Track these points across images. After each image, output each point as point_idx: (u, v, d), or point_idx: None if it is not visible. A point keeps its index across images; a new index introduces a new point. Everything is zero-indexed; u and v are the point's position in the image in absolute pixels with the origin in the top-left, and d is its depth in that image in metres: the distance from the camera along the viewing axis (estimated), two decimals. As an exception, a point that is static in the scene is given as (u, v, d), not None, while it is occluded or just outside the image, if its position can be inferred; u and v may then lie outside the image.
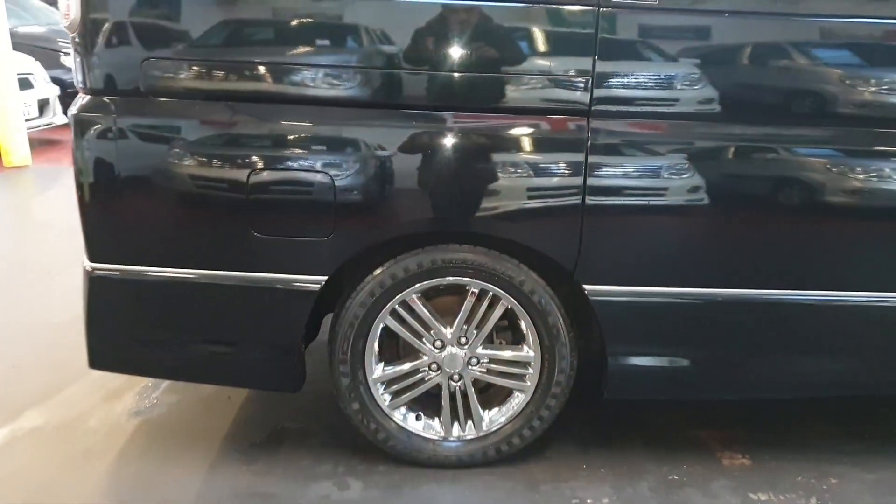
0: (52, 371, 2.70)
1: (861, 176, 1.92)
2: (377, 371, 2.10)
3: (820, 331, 2.04)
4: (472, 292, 2.03)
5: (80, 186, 1.94)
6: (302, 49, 1.88)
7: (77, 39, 1.86)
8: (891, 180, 1.93)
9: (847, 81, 1.88)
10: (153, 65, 1.86)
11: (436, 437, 2.15)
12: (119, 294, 2.02)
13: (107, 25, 1.84)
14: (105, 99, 1.89)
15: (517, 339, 2.14)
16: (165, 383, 2.62)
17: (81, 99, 1.93)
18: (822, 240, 1.97)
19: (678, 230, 1.97)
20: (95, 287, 2.01)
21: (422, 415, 2.18)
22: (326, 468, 2.17)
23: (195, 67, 1.87)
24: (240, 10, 1.87)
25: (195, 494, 2.05)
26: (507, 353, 2.12)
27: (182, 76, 1.87)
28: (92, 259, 1.99)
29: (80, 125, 1.90)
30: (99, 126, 1.89)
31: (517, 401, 2.14)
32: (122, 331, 2.06)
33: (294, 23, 1.87)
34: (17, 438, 2.30)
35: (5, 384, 2.62)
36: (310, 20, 1.87)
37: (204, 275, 1.97)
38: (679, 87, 1.87)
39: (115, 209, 1.95)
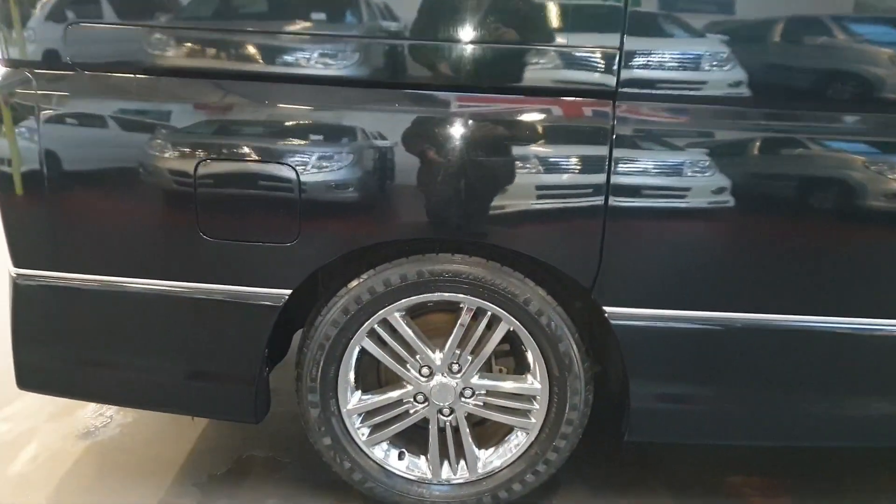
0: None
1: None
2: (352, 401, 1.77)
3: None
4: (468, 311, 1.68)
5: (-1, 180, 1.62)
6: (265, 15, 1.54)
7: (-10, -1, 1.54)
8: None
9: None
10: (81, 31, 1.53)
11: (422, 479, 1.82)
12: (48, 305, 1.70)
13: (26, -19, 1.52)
14: (26, 72, 1.57)
15: (521, 368, 1.79)
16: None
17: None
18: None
19: (721, 242, 1.60)
20: (21, 296, 1.69)
21: (406, 452, 1.84)
22: (294, 510, 1.85)
23: (132, 35, 1.54)
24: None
25: (135, 541, 1.74)
26: (508, 385, 1.77)
27: (116, 45, 1.54)
28: (16, 264, 1.67)
29: (-4, 103, 1.58)
30: (18, 105, 1.57)
31: (519, 440, 1.79)
32: (52, 348, 1.74)
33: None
34: (-53, 462, 2.02)
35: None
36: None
37: (144, 285, 1.64)
38: (725, 67, 1.49)
39: (40, 205, 1.62)
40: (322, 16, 1.53)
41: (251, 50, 1.54)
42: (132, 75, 1.57)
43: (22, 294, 1.69)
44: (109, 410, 2.26)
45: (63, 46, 1.53)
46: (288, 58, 1.53)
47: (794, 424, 1.73)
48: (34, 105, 1.56)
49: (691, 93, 1.51)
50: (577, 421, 1.74)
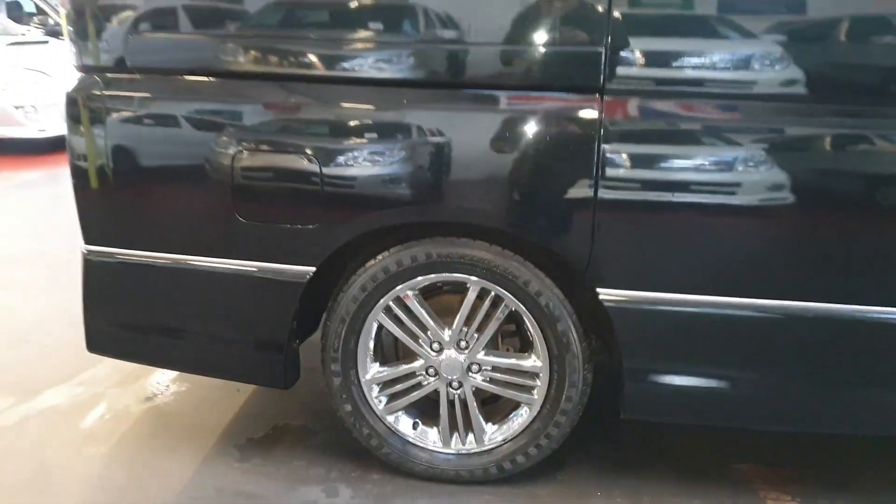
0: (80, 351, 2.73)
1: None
2: (371, 371, 1.95)
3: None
4: (473, 290, 1.82)
5: (73, 170, 1.89)
6: (290, 20, 1.75)
7: (66, 15, 1.82)
8: None
9: None
10: (137, 40, 1.79)
11: (433, 448, 1.97)
12: (109, 277, 1.97)
13: (92, -1, 1.79)
14: (95, 77, 1.84)
15: (525, 347, 1.92)
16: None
17: (76, 78, 1.88)
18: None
19: (708, 231, 1.66)
20: (89, 269, 1.97)
21: (419, 422, 2.00)
22: (319, 471, 2.04)
23: (179, 42, 1.78)
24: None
25: (179, 489, 1.97)
26: (510, 361, 1.90)
27: (165, 51, 1.79)
28: (86, 241, 1.95)
29: (71, 105, 1.85)
30: (88, 105, 1.84)
31: (523, 415, 1.91)
32: (112, 315, 2.02)
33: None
34: (30, 417, 2.32)
35: (34, 363, 2.66)
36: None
37: (189, 261, 1.87)
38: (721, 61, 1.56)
39: (102, 190, 1.89)
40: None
41: (284, 53, 1.74)
42: (179, 76, 1.80)
43: (91, 268, 1.96)
44: (167, 379, 2.53)
45: (124, 53, 1.79)
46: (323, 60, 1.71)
47: (800, 411, 1.77)
48: (101, 105, 1.82)
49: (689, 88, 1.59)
50: (577, 398, 1.84)
